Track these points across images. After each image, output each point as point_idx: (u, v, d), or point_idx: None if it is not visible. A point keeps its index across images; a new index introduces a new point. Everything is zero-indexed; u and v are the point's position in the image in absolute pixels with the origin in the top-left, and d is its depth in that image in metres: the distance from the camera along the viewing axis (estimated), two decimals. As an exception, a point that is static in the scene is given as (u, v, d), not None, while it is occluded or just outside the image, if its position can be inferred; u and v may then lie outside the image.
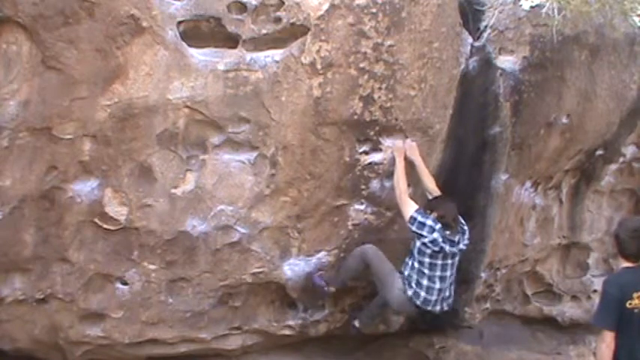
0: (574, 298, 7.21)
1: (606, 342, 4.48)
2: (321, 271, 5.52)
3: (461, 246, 5.43)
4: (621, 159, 6.86)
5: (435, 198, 5.42)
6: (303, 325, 5.78)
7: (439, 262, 5.34)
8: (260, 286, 5.49)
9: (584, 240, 7.01)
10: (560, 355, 7.25)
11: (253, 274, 5.37)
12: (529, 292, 7.02)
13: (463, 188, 5.79)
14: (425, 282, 5.33)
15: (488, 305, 6.66)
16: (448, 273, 5.41)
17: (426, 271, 5.33)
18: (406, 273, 5.38)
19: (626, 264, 4.60)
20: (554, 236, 6.80)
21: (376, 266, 5.42)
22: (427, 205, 5.38)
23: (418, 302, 5.37)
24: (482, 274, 6.37)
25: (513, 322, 7.13)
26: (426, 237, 5.24)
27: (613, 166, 6.85)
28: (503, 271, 6.62)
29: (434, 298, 5.39)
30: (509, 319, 7.09)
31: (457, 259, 5.46)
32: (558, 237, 6.84)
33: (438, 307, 5.45)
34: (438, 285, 5.36)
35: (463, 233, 5.45)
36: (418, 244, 5.29)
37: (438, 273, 5.36)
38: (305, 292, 5.60)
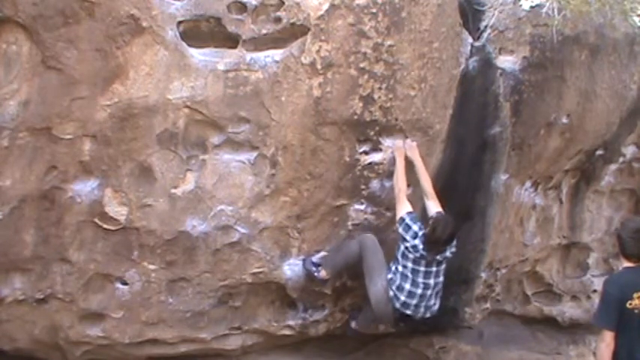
0: (574, 298, 7.21)
1: (606, 342, 4.48)
2: (316, 254, 5.44)
3: (447, 254, 5.34)
4: (621, 159, 6.85)
5: (439, 216, 5.24)
6: (303, 325, 5.78)
7: (422, 268, 5.28)
8: (260, 286, 5.49)
9: (584, 240, 7.01)
10: (560, 355, 7.25)
11: (253, 274, 5.37)
12: (529, 292, 7.01)
13: (463, 188, 5.78)
14: (407, 286, 5.29)
15: (488, 305, 6.66)
16: (432, 281, 5.34)
17: (409, 274, 5.28)
18: (389, 276, 5.33)
19: (627, 264, 4.61)
20: (554, 236, 6.80)
21: (369, 256, 5.35)
22: (430, 220, 5.24)
23: (397, 305, 5.32)
24: (482, 274, 6.36)
25: (513, 322, 7.13)
26: (408, 242, 5.21)
27: (613, 166, 6.85)
28: (503, 271, 6.61)
29: (414, 302, 5.33)
30: (509, 319, 7.09)
31: (443, 267, 5.38)
32: (558, 237, 6.84)
33: (419, 313, 5.39)
34: (420, 291, 5.31)
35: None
36: (402, 247, 5.26)
37: (421, 279, 5.29)
38: (305, 292, 5.60)
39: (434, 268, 5.33)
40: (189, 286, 5.27)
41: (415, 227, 5.22)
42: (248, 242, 5.26)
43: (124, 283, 5.14)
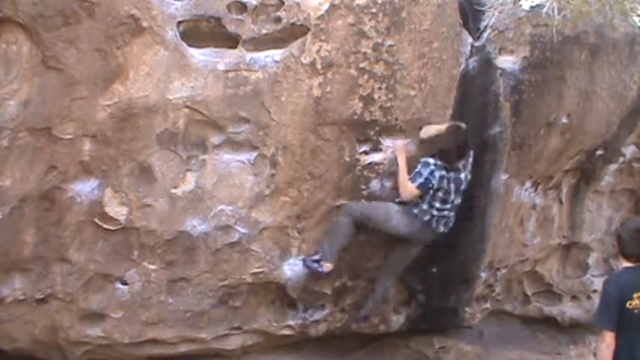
0: (574, 298, 7.21)
1: (606, 342, 4.48)
2: (315, 254, 5.45)
3: (463, 174, 5.47)
4: (621, 159, 6.86)
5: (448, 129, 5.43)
6: (303, 325, 5.78)
7: (449, 197, 5.43)
8: (260, 286, 5.49)
9: (584, 240, 7.01)
10: (560, 355, 7.26)
11: (253, 274, 5.37)
12: (529, 292, 7.02)
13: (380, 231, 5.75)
14: (434, 212, 5.42)
15: (488, 305, 6.66)
16: (458, 200, 5.49)
17: (437, 204, 5.40)
18: (424, 206, 5.43)
19: (626, 264, 4.61)
20: (554, 236, 6.80)
21: (367, 210, 5.39)
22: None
23: (425, 218, 5.42)
24: (483, 274, 6.36)
25: (513, 322, 7.13)
26: (436, 183, 5.32)
27: (613, 166, 6.85)
28: (503, 271, 6.61)
29: (440, 219, 5.47)
30: (509, 319, 7.09)
31: (462, 187, 5.49)
32: (558, 237, 6.84)
33: (441, 228, 5.51)
34: (445, 212, 5.46)
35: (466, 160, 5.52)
36: (431, 193, 5.36)
37: (448, 205, 5.45)
38: (305, 292, 5.60)
39: (452, 187, 5.42)
40: (189, 286, 5.27)
41: (426, 171, 5.32)
42: (248, 242, 5.26)
43: (124, 283, 5.13)
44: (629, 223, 4.78)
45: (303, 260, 5.45)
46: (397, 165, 5.38)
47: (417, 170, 5.37)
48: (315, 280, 5.56)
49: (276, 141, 5.06)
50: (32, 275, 4.89)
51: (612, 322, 4.45)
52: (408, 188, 5.35)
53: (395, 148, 5.37)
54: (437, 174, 5.33)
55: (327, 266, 5.42)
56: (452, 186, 5.41)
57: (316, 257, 5.44)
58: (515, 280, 6.90)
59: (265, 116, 4.99)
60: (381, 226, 5.44)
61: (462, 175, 5.49)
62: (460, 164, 5.48)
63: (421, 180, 5.33)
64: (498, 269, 6.55)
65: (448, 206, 5.46)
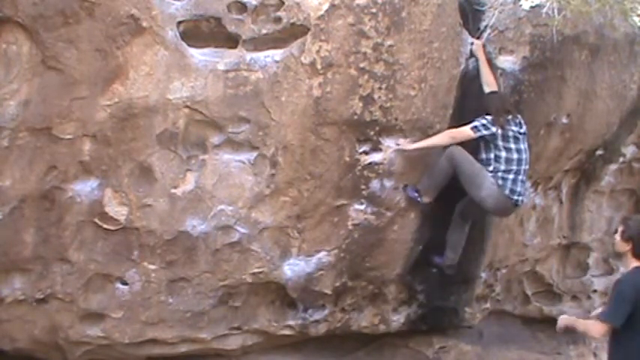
0: (574, 298, 7.22)
1: (602, 332, 4.55)
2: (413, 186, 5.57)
3: (521, 129, 5.49)
4: (621, 159, 6.86)
5: (487, 96, 5.49)
6: (303, 325, 5.77)
7: (513, 146, 5.43)
8: (260, 286, 5.49)
9: (584, 240, 7.02)
10: (560, 355, 7.26)
11: (253, 274, 5.37)
12: (529, 292, 7.02)
13: (463, 188, 5.78)
14: (511, 176, 5.41)
15: (488, 305, 6.66)
16: (524, 156, 5.47)
17: (512, 156, 5.41)
18: (491, 168, 5.44)
19: (636, 263, 4.62)
20: (554, 236, 6.81)
21: (465, 166, 5.43)
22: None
23: (507, 192, 5.42)
24: (483, 274, 6.37)
25: (513, 322, 7.13)
26: (495, 130, 5.35)
27: (613, 166, 6.86)
28: (503, 271, 6.62)
29: (518, 188, 5.45)
30: (509, 319, 7.09)
31: (525, 143, 5.49)
32: (558, 237, 6.85)
33: (520, 198, 5.51)
34: (521, 176, 5.45)
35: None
36: (493, 148, 5.40)
37: (518, 155, 5.45)
38: (305, 292, 5.60)
39: (521, 145, 5.47)
40: (189, 286, 5.27)
41: (484, 120, 5.35)
42: (248, 242, 5.26)
43: (124, 283, 5.13)
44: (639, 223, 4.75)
45: (404, 187, 5.52)
46: (410, 153, 5.41)
47: (478, 120, 5.40)
48: (316, 280, 5.57)
49: (276, 141, 5.07)
50: (32, 275, 4.89)
51: (621, 320, 4.49)
52: (457, 132, 5.40)
53: (401, 148, 5.35)
54: (496, 125, 5.36)
55: (425, 199, 5.51)
56: (510, 141, 5.42)
57: (416, 188, 5.52)
58: (515, 280, 6.90)
59: (265, 116, 4.99)
60: (469, 188, 5.49)
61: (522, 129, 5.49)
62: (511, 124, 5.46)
63: (480, 125, 5.35)
64: (498, 269, 6.55)
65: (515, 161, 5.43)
